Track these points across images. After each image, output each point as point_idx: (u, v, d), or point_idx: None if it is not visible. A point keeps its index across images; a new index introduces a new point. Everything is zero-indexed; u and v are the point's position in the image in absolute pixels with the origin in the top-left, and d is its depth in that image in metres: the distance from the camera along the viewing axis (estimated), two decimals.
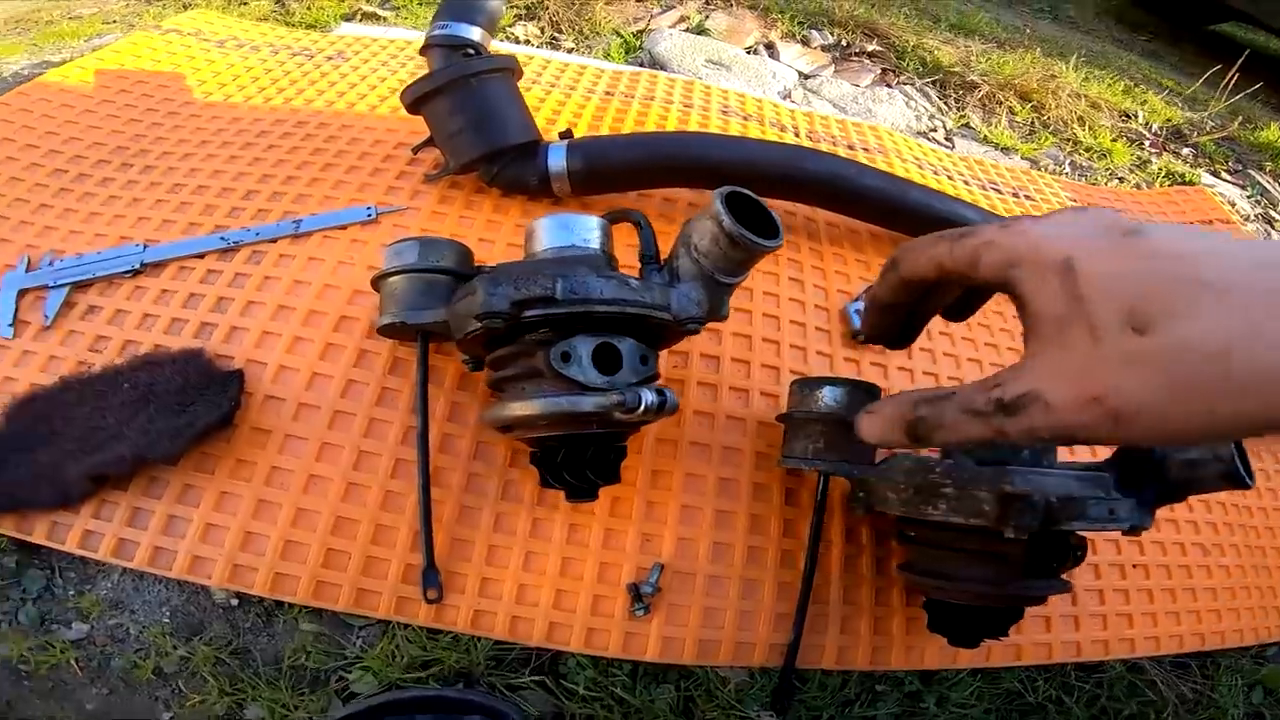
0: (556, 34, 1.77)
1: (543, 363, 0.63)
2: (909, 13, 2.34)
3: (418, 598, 0.75)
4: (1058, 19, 3.37)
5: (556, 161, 0.97)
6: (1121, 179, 1.90)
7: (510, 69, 1.01)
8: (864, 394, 0.77)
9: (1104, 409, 0.29)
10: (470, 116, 0.96)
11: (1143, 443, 0.34)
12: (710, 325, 0.78)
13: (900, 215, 1.08)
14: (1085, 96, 2.15)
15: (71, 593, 0.79)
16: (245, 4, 1.87)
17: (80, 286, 0.89)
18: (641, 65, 1.67)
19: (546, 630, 0.76)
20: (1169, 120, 2.22)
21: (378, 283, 0.78)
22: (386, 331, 0.77)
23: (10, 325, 0.86)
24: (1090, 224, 0.34)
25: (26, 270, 0.91)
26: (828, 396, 0.77)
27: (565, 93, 1.38)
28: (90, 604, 0.77)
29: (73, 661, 0.76)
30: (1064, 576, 0.73)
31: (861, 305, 1.04)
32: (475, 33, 1.01)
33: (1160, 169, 1.97)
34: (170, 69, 1.32)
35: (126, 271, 0.90)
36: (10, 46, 1.68)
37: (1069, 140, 1.96)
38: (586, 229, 0.72)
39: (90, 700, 0.77)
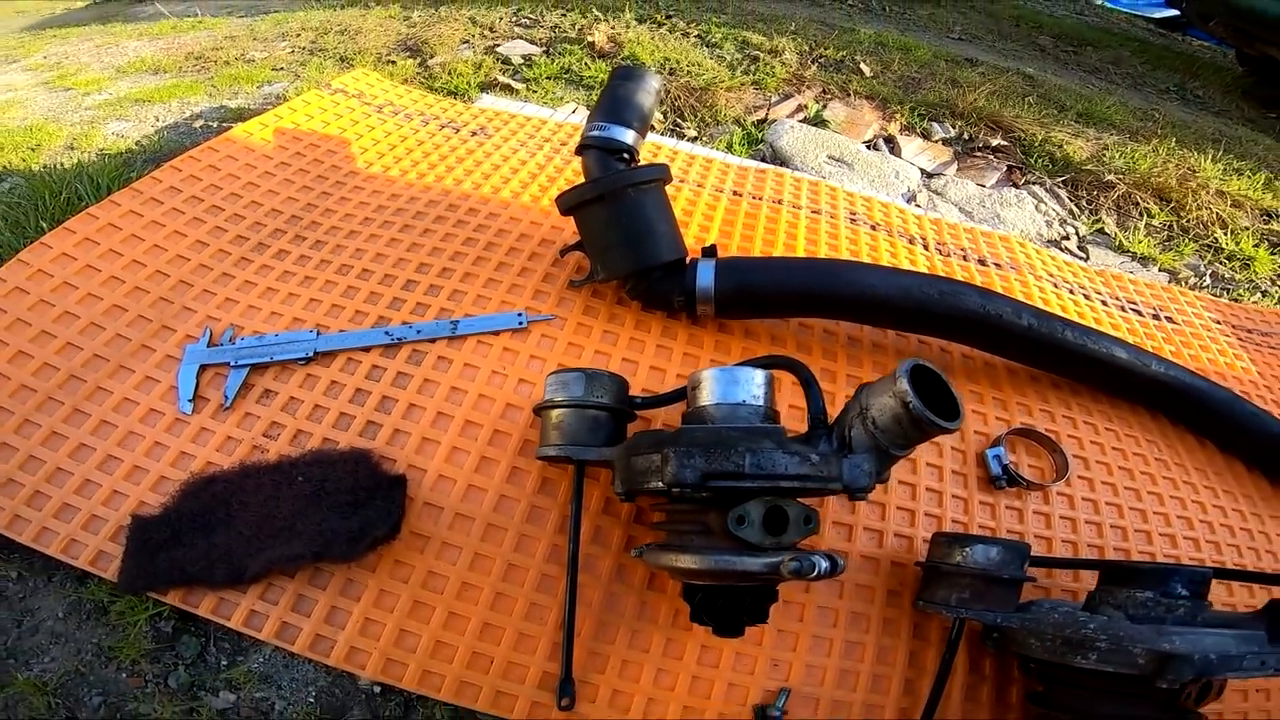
0: (680, 120, 1.82)
1: (715, 522, 0.65)
2: (1033, 101, 2.27)
3: (551, 704, 0.78)
4: (1186, 100, 3.21)
5: (704, 282, 0.99)
6: (1265, 291, 1.77)
7: (664, 179, 1.03)
8: (1016, 554, 0.79)
9: None
10: (625, 230, 0.99)
11: None
12: None
13: (1053, 356, 1.04)
14: (1227, 195, 2.03)
15: (224, 662, 0.83)
16: (394, 64, 2.00)
17: (258, 368, 0.96)
18: (764, 159, 1.70)
19: None
20: None
21: (541, 412, 0.81)
22: (547, 459, 0.80)
23: (190, 401, 0.93)
24: None
25: (209, 344, 0.99)
26: (980, 554, 0.79)
27: (695, 189, 1.41)
28: (241, 676, 0.81)
29: None
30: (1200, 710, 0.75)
31: (1001, 451, 1.01)
32: (630, 136, 1.05)
33: None
34: (338, 132, 1.43)
35: (301, 359, 0.96)
36: (192, 86, 1.88)
37: (1209, 247, 1.84)
38: (753, 385, 0.73)
39: None
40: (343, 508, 0.82)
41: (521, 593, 0.82)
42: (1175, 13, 3.95)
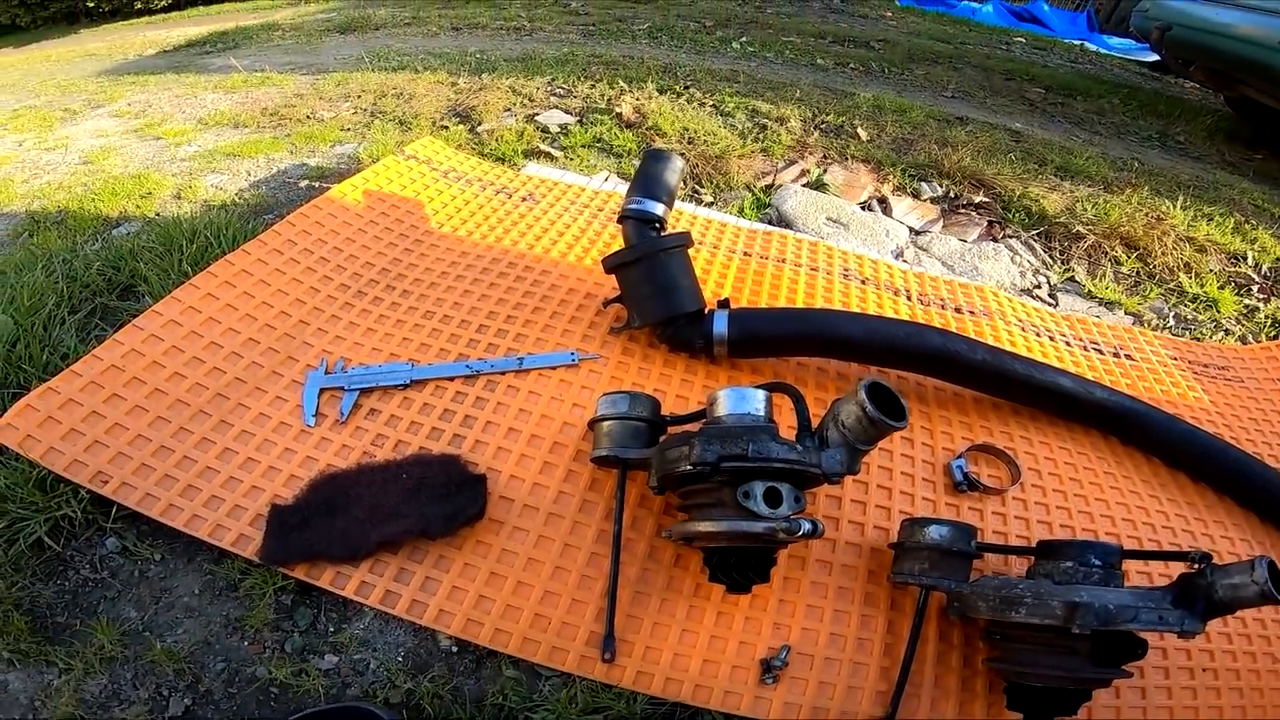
0: (698, 187, 2.09)
1: (728, 497, 0.87)
2: (1015, 157, 2.52)
3: (596, 657, 0.96)
4: (1167, 147, 3.41)
5: (719, 329, 1.24)
6: (1228, 330, 1.95)
7: (687, 245, 1.29)
8: (963, 533, 0.99)
9: None
10: (656, 285, 1.24)
11: None
12: None
13: (1005, 385, 1.27)
14: (1192, 240, 2.20)
15: (331, 629, 1.00)
16: (446, 129, 2.31)
17: (365, 391, 1.21)
18: (771, 221, 1.95)
19: (692, 691, 0.95)
20: None
21: (595, 424, 1.05)
22: (599, 461, 1.04)
23: (313, 416, 1.18)
24: None
25: (325, 372, 1.24)
26: (934, 532, 0.99)
27: (711, 250, 1.68)
28: (345, 640, 0.99)
29: (319, 688, 0.94)
30: (1128, 669, 0.89)
31: (963, 462, 1.23)
32: (660, 208, 1.31)
33: (1268, 317, 1.99)
34: (413, 195, 1.73)
35: (400, 384, 1.22)
36: (273, 143, 2.18)
37: (1174, 290, 2.02)
38: (757, 401, 0.96)
39: None
40: (439, 498, 1.05)
41: (575, 567, 1.03)
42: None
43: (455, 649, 1.00)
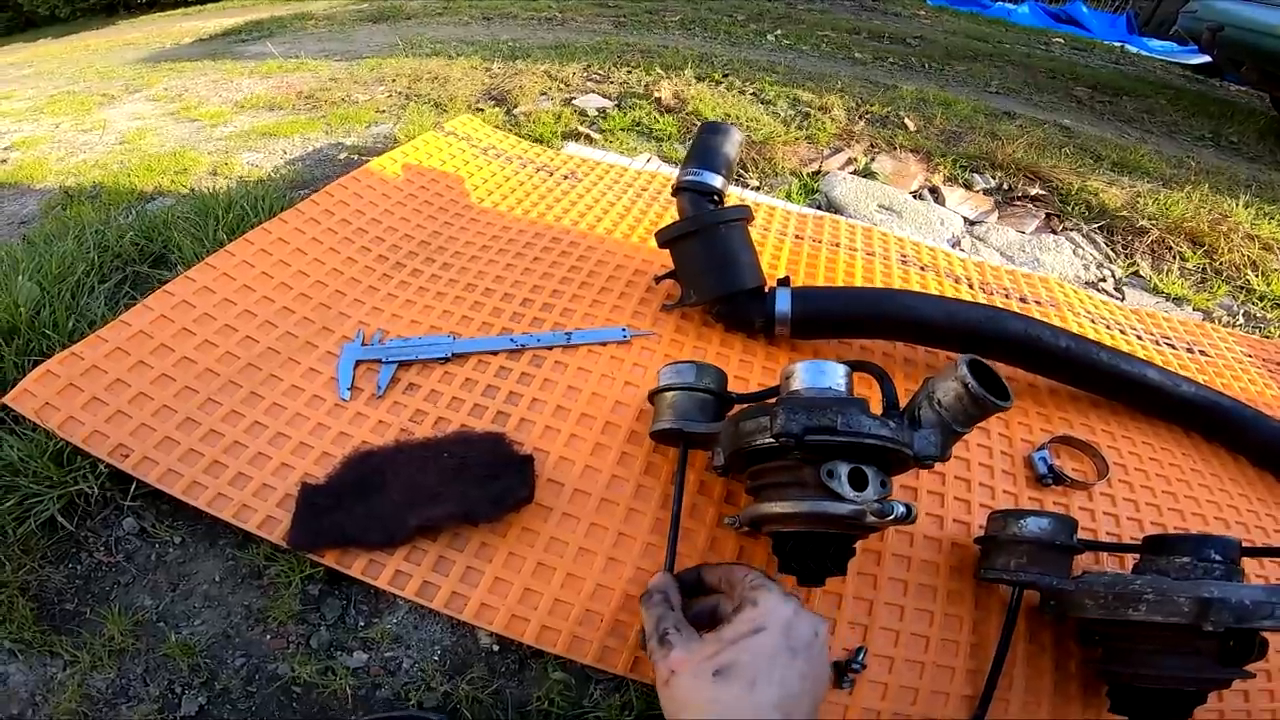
0: (743, 171, 2.02)
1: (809, 476, 0.78)
2: (1070, 152, 2.42)
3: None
4: (1220, 146, 3.31)
5: (782, 307, 1.15)
6: None
7: (748, 218, 1.21)
8: (1066, 525, 0.90)
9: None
10: (714, 260, 1.16)
11: None
12: None
13: (1089, 375, 1.17)
14: (1258, 238, 2.12)
15: (361, 623, 0.92)
16: (482, 111, 2.25)
17: (404, 365, 1.14)
18: (820, 207, 1.87)
19: None
20: None
21: (655, 396, 0.97)
22: (659, 436, 0.95)
23: (349, 389, 1.11)
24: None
25: (362, 344, 1.17)
26: (1033, 524, 0.90)
27: (761, 233, 1.59)
28: (376, 635, 0.91)
29: (347, 688, 0.86)
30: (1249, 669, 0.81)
31: (1046, 454, 1.13)
32: (718, 180, 1.23)
33: None
34: (452, 170, 1.66)
35: (440, 358, 1.14)
36: (311, 123, 2.15)
37: (1242, 288, 1.94)
38: (838, 375, 0.87)
39: None
40: (483, 479, 0.97)
41: (630, 559, 0.94)
42: (1209, 59, 4.10)
43: (497, 648, 0.92)
